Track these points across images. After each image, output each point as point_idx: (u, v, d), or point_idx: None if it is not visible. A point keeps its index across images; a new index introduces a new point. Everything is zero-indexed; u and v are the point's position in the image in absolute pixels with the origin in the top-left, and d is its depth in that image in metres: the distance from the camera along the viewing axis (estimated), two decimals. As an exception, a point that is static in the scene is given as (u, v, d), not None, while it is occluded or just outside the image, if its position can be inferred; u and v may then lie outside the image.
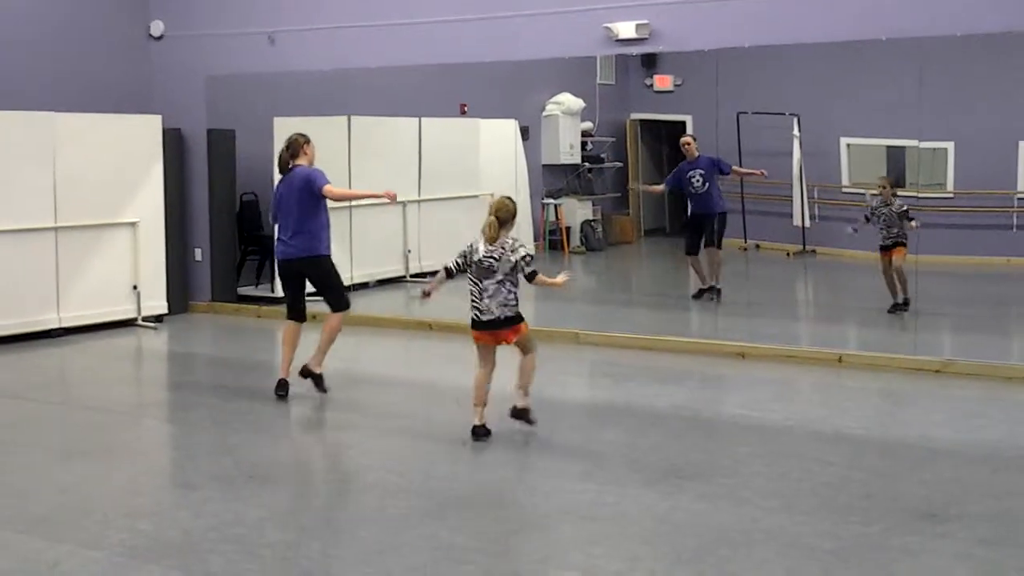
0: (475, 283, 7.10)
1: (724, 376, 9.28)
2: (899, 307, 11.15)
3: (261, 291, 12.89)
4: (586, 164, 16.20)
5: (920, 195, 15.98)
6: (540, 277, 7.12)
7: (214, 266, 12.61)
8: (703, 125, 17.38)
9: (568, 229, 16.30)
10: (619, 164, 16.58)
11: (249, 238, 13.13)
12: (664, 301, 12.89)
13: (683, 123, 18.56)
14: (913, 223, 11.26)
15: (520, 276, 7.10)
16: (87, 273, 11.17)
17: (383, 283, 13.73)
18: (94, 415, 8.09)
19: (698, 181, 12.42)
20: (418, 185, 14.36)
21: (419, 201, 14.32)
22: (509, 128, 15.81)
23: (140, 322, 11.55)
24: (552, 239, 17.05)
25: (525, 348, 7.23)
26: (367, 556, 5.16)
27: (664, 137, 19.15)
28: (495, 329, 7.09)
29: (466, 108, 15.59)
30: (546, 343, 10.53)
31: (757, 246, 14.48)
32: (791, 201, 16.14)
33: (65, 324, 10.94)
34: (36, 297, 10.74)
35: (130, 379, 10.02)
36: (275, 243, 8.72)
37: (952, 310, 11.91)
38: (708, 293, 12.23)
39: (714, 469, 6.55)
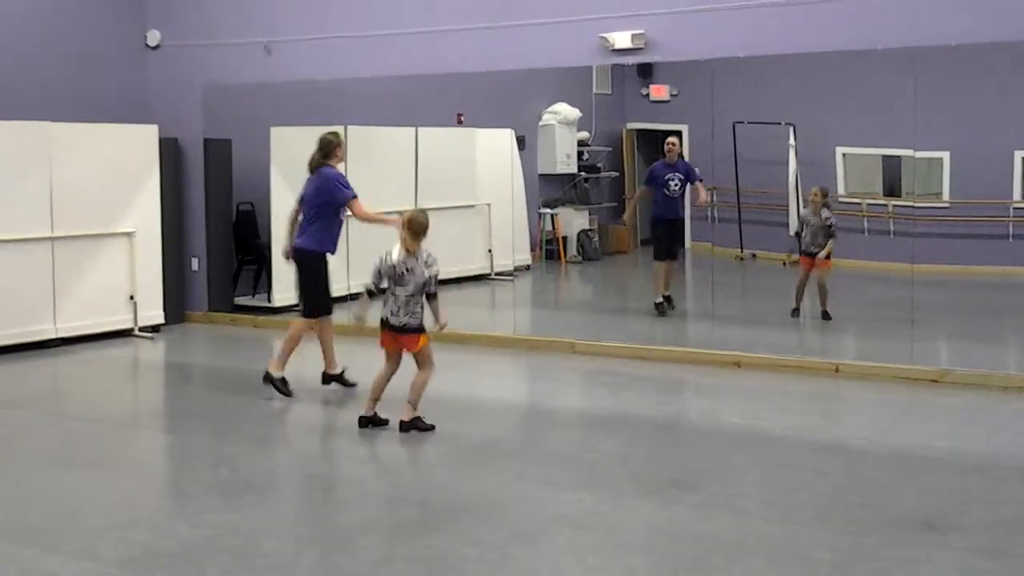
0: (390, 288, 7.50)
1: (720, 386, 9.27)
2: (797, 312, 11.57)
3: (258, 301, 12.88)
4: (582, 174, 16.22)
5: (916, 205, 16.03)
6: (436, 304, 7.52)
7: (211, 276, 12.61)
8: (699, 135, 17.40)
9: (565, 239, 16.31)
10: (615, 174, 16.62)
11: (246, 248, 13.11)
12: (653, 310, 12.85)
13: (679, 132, 18.60)
14: (831, 242, 11.50)
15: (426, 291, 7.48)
16: (83, 283, 11.16)
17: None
18: (90, 425, 8.08)
19: (675, 184, 12.47)
20: (415, 195, 14.36)
21: (416, 211, 14.30)
22: (505, 138, 15.81)
23: (137, 332, 11.54)
24: (549, 249, 17.05)
25: (421, 363, 7.54)
26: (364, 566, 5.15)
27: (660, 146, 19.19)
28: (399, 334, 7.45)
29: (463, 118, 15.60)
30: (542, 352, 10.56)
31: (753, 255, 14.51)
32: (787, 210, 16.17)
33: (61, 334, 10.93)
34: (32, 307, 10.73)
35: (127, 389, 10.01)
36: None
37: (948, 320, 11.92)
38: (668, 304, 12.22)
39: (710, 479, 6.55)
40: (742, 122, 16.22)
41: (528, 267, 16.07)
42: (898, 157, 15.73)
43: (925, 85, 15.15)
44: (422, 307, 7.50)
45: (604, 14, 10.30)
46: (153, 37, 12.62)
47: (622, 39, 10.14)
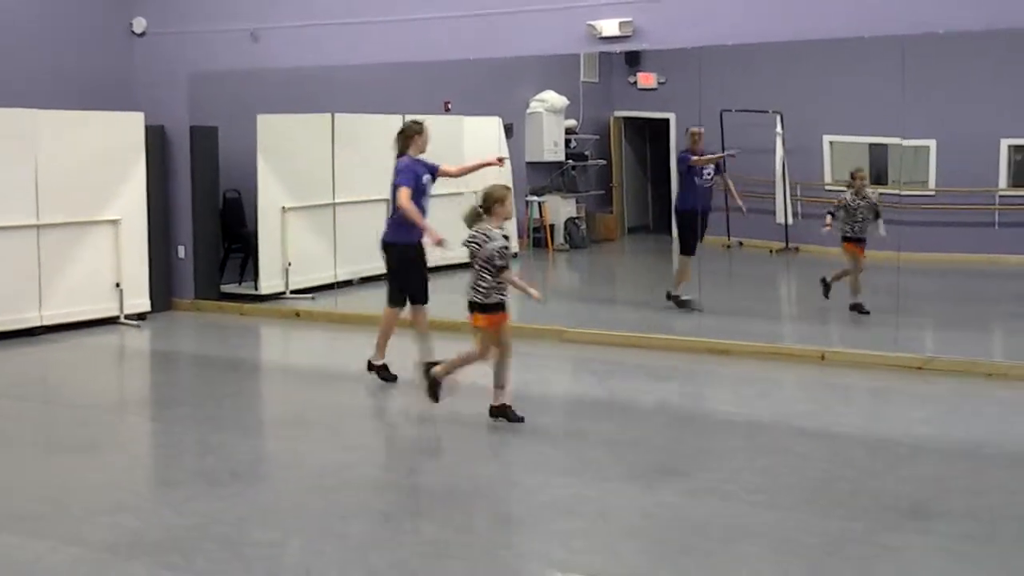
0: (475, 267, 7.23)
1: (708, 373, 9.29)
2: (862, 308, 11.10)
3: (245, 289, 12.86)
4: (570, 162, 16.22)
5: (902, 193, 16.07)
6: (508, 276, 7.15)
7: (197, 264, 12.57)
8: (686, 123, 17.37)
9: (552, 227, 16.32)
10: (603, 161, 16.62)
11: (232, 235, 13.08)
12: (648, 298, 12.88)
13: (666, 121, 18.63)
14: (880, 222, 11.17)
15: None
16: (69, 271, 11.11)
17: (367, 280, 13.69)
18: (76, 412, 8.06)
19: (709, 175, 11.90)
20: (402, 182, 14.32)
21: (403, 198, 14.27)
22: (493, 126, 15.80)
23: (123, 320, 11.50)
24: (536, 236, 17.05)
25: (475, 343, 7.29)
26: (351, 552, 5.15)
27: (648, 134, 19.21)
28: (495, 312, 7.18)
29: (450, 105, 15.58)
30: (531, 340, 10.55)
31: (740, 243, 14.53)
32: (774, 199, 16.20)
33: (47, 322, 10.89)
34: (18, 295, 10.68)
35: (112, 377, 9.99)
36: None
37: (934, 307, 11.96)
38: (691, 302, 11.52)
39: (698, 464, 6.56)
40: (729, 110, 16.23)
41: (515, 255, 16.06)
42: (885, 145, 15.78)
43: (912, 73, 15.17)
44: (487, 285, 7.16)
45: (592, 2, 10.28)
46: (139, 24, 12.55)
47: (610, 27, 10.12)
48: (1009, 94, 15.19)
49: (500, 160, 8.75)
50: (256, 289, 12.62)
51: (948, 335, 10.61)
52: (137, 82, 12.56)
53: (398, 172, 8.43)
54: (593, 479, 6.30)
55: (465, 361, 7.36)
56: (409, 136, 8.49)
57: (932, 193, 15.84)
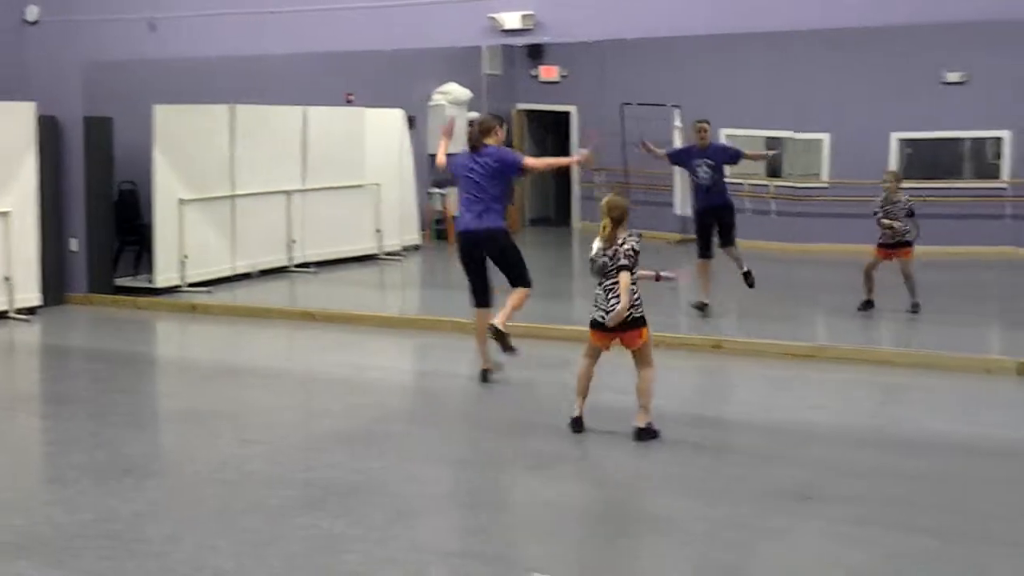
0: (598, 283, 6.76)
1: (602, 362, 9.34)
2: (870, 304, 10.88)
3: (140, 282, 12.65)
4: (473, 154, 16.20)
5: (796, 185, 16.44)
6: (622, 276, 6.61)
7: (91, 257, 12.31)
8: (588, 116, 17.62)
9: (455, 219, 16.31)
10: (505, 154, 16.60)
11: (127, 228, 12.86)
12: (545, 289, 12.95)
13: (568, 114, 18.78)
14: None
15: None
16: (-43, 264, 10.83)
17: (266, 273, 13.58)
18: (-37, 410, 7.86)
19: (705, 173, 10.94)
20: (302, 174, 14.23)
21: (304, 191, 14.19)
22: (395, 118, 15.77)
23: (12, 315, 11.22)
24: (439, 229, 17.07)
25: (643, 361, 6.82)
26: (245, 547, 5.12)
27: (550, 127, 19.35)
28: (620, 331, 6.72)
29: (352, 97, 15.50)
30: (431, 332, 10.58)
31: (640, 235, 14.62)
32: (672, 191, 16.45)
33: (-67, 317, 10.60)
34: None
35: (1, 373, 9.74)
36: (457, 219, 8.63)
37: (827, 297, 12.24)
38: (704, 309, 10.89)
39: (591, 454, 6.64)
40: (630, 103, 16.44)
41: (417, 247, 16.07)
42: (780, 139, 16.13)
43: (806, 68, 15.59)
44: (640, 297, 6.73)
45: (493, -6, 10.30)
46: (32, 12, 12.23)
47: (511, 19, 10.13)
48: (899, 88, 15.65)
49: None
50: (152, 282, 12.42)
51: (840, 323, 10.86)
52: (29, 71, 12.22)
53: (507, 160, 8.24)
54: (491, 470, 6.36)
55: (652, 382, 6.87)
56: (493, 127, 8.36)
57: (825, 185, 16.25)
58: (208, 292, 12.42)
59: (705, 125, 11.13)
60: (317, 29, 11.14)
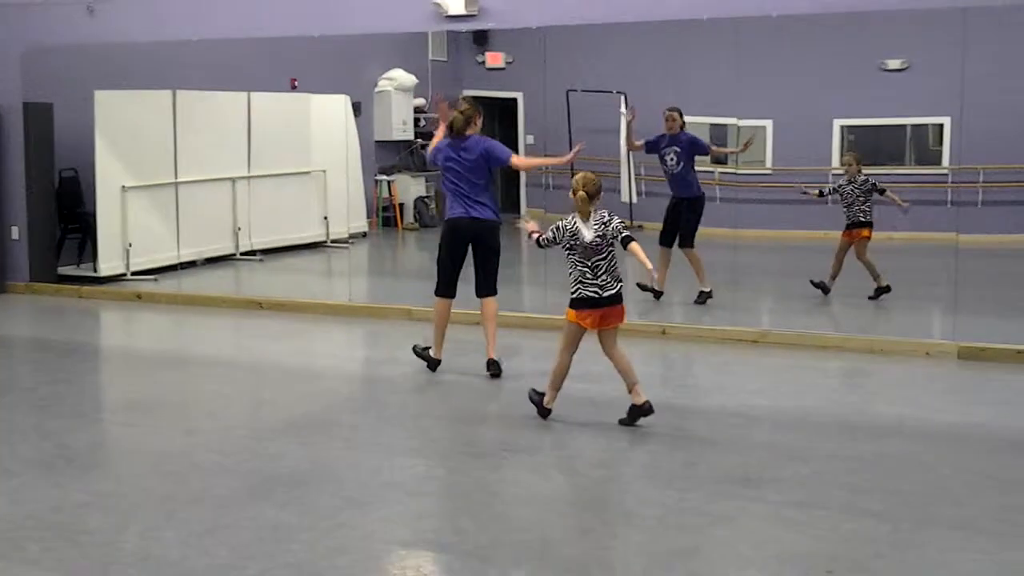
0: (581, 262, 6.81)
1: (549, 349, 9.39)
2: (826, 290, 10.97)
3: (83, 271, 12.49)
4: (419, 140, 16.19)
5: (739, 172, 16.55)
6: (636, 247, 6.72)
7: (32, 245, 12.15)
8: (534, 102, 17.59)
9: (401, 206, 16.29)
10: (452, 140, 16.57)
11: (70, 215, 12.69)
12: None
13: (514, 100, 18.76)
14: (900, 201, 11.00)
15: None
16: None
17: (212, 261, 13.47)
18: (-99, 402, 7.73)
19: (672, 159, 11.01)
20: (247, 161, 14.11)
21: (249, 177, 14.07)
22: (341, 104, 15.67)
23: (-48, 304, 11.07)
24: (386, 216, 16.99)
25: (614, 340, 6.91)
26: (190, 538, 5.09)
27: (496, 114, 19.29)
28: (612, 305, 6.81)
29: (296, 83, 15.38)
30: (379, 319, 10.56)
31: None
32: (619, 178, 16.49)
33: None
34: None
35: (-58, 363, 9.59)
36: (450, 208, 8.31)
37: (769, 283, 12.38)
38: (655, 294, 10.90)
39: (542, 441, 6.66)
40: (575, 90, 16.45)
41: (364, 234, 16.00)
42: (724, 125, 16.22)
43: (748, 55, 15.67)
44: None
45: (437, -21, 10.27)
46: (-33, -4, 12.04)
47: (455, 5, 10.13)
48: (841, 76, 15.79)
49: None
50: (95, 271, 12.28)
51: (782, 309, 11.00)
52: (-35, 57, 12.05)
53: (493, 151, 8.19)
54: (439, 458, 6.38)
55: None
56: (471, 116, 8.27)
57: (768, 172, 16.38)
58: (153, 280, 12.30)
59: (674, 114, 11.19)
60: (260, 14, 11.06)
